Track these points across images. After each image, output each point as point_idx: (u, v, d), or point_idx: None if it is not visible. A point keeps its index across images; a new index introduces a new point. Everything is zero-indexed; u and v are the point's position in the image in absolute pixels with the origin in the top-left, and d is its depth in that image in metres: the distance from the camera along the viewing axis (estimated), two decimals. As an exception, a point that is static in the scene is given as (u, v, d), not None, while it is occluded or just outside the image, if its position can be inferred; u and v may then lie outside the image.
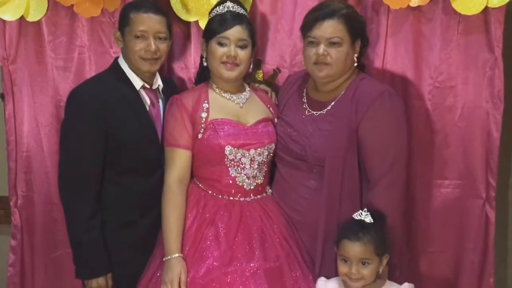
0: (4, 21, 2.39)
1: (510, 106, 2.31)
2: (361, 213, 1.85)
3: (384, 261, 1.86)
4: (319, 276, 1.97)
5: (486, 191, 2.22)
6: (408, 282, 1.91)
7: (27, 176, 2.48)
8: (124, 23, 2.07)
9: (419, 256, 2.30)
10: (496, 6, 2.08)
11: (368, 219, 1.84)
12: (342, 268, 1.84)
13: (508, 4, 2.09)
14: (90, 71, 2.40)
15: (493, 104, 2.18)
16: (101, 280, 2.05)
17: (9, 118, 2.46)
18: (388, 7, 2.19)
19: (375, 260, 1.82)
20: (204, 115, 2.03)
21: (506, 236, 2.53)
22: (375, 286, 1.86)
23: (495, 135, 2.19)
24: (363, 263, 1.81)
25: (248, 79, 2.25)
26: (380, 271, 1.86)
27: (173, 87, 2.26)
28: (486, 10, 2.10)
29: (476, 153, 2.22)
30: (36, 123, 2.46)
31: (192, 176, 2.09)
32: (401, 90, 2.21)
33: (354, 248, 1.81)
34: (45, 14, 2.37)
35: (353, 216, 1.87)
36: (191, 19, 2.31)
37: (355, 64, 2.04)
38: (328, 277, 1.94)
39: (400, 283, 1.89)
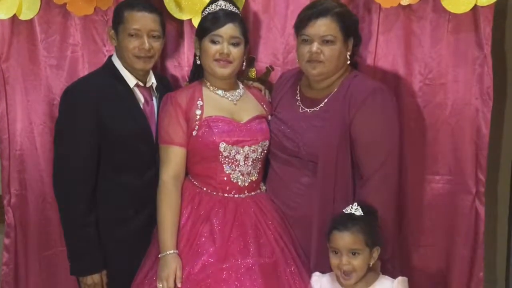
0: (-4, 19, 2.39)
1: (499, 103, 2.35)
2: (351, 207, 1.88)
3: (375, 254, 1.88)
4: (313, 271, 1.98)
5: (475, 186, 2.25)
6: (400, 275, 1.93)
7: (21, 175, 2.49)
8: (118, 21, 2.08)
9: (411, 250, 2.32)
10: (485, 4, 2.11)
11: (358, 212, 1.86)
12: (333, 260, 1.86)
13: (496, 3, 2.12)
14: (83, 69, 2.41)
15: (482, 101, 2.21)
16: (96, 277, 2.06)
17: (2, 117, 2.46)
18: (380, 5, 2.21)
19: (365, 251, 1.84)
20: (198, 112, 2.05)
21: (495, 231, 2.56)
22: (368, 279, 1.88)
23: (484, 132, 2.22)
24: (353, 253, 1.83)
25: (241, 77, 2.27)
26: (371, 264, 1.87)
27: (167, 85, 2.27)
28: (475, 8, 2.13)
29: (466, 149, 2.25)
30: (29, 121, 2.46)
31: (186, 173, 2.10)
32: (392, 87, 2.23)
33: (343, 238, 1.83)
34: (37, 13, 2.37)
35: (343, 210, 1.89)
36: (184, 17, 2.32)
37: (348, 62, 2.07)
38: (322, 272, 1.96)
39: (393, 276, 1.91)
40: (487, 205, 2.29)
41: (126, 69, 2.11)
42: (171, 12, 2.30)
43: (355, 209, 1.87)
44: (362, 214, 1.86)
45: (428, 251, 2.32)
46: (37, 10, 2.37)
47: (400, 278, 1.89)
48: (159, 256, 1.96)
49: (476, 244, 2.28)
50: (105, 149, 2.05)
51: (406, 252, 2.31)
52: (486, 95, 2.20)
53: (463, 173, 2.26)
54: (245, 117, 2.10)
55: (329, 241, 1.88)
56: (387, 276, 1.91)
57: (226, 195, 2.05)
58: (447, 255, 2.32)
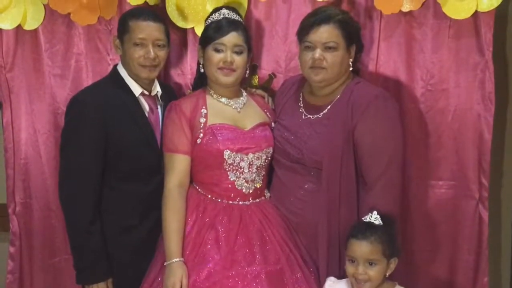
0: (1, 30, 2.40)
1: (501, 108, 2.36)
2: (370, 215, 1.85)
3: (392, 265, 1.84)
4: (322, 279, 1.97)
5: (479, 191, 2.26)
6: (403, 280, 1.91)
7: (25, 183, 2.49)
8: (123, 31, 2.09)
9: (414, 256, 2.32)
10: (486, 10, 2.12)
11: (378, 221, 1.83)
12: (349, 268, 1.83)
13: (497, 8, 2.13)
14: (87, 79, 2.42)
15: (484, 106, 2.22)
16: (101, 285, 2.06)
17: (7, 126, 2.47)
18: (381, 12, 2.23)
19: (383, 262, 1.81)
20: (202, 120, 2.06)
21: (499, 235, 2.56)
22: None
23: (486, 136, 2.23)
24: (370, 263, 1.80)
25: (244, 84, 2.28)
26: (387, 274, 1.85)
27: (171, 93, 2.28)
28: (476, 14, 2.15)
29: (469, 154, 2.26)
30: (33, 130, 2.47)
31: (191, 180, 2.11)
32: (394, 93, 2.24)
33: (361, 247, 1.80)
34: (42, 23, 2.39)
35: (362, 218, 1.87)
36: (188, 26, 2.34)
37: (350, 69, 2.08)
38: (339, 278, 1.93)
39: (399, 283, 1.89)
40: (491, 209, 2.30)
41: (132, 78, 2.13)
42: (174, 21, 2.32)
43: (374, 218, 1.84)
44: (381, 224, 1.83)
45: (432, 256, 2.33)
46: (41, 20, 2.38)
47: None
48: (165, 264, 1.97)
49: (480, 249, 2.28)
50: (110, 158, 2.05)
51: (410, 257, 2.31)
52: (488, 100, 2.21)
53: (466, 178, 2.27)
54: (248, 125, 2.11)
55: (346, 249, 1.85)
56: None
57: (230, 202, 2.06)
58: (451, 260, 2.32)
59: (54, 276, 2.52)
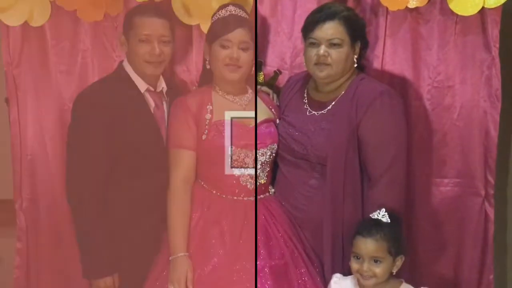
0: (7, 26, 2.41)
1: (508, 105, 2.35)
2: (378, 212, 1.85)
3: (399, 262, 1.85)
4: (327, 275, 1.98)
5: (485, 189, 2.25)
6: (408, 278, 1.92)
7: (32, 179, 2.50)
8: (128, 27, 2.10)
9: (419, 254, 2.32)
10: (493, 6, 2.11)
11: (385, 219, 1.83)
12: (354, 264, 1.83)
13: (504, 4, 2.12)
14: (93, 75, 2.42)
15: (490, 103, 2.21)
16: (108, 280, 2.08)
17: (13, 122, 2.48)
18: (387, 8, 2.22)
19: (388, 259, 1.81)
20: (208, 116, 2.07)
21: (505, 233, 2.55)
22: (390, 286, 1.86)
23: (493, 134, 2.22)
24: (375, 261, 1.80)
25: (249, 81, 2.29)
26: (394, 272, 1.85)
27: (176, 90, 2.29)
28: (482, 10, 2.13)
29: (475, 151, 2.25)
30: (40, 126, 2.47)
31: (196, 176, 2.12)
32: (400, 90, 2.24)
33: (366, 245, 1.80)
34: (48, 19, 2.39)
35: (370, 215, 1.87)
36: (193, 22, 2.34)
37: (355, 65, 2.08)
38: (344, 274, 1.93)
39: (406, 280, 1.90)
40: (497, 207, 2.29)
41: (137, 74, 2.13)
42: (180, 17, 2.32)
43: (382, 215, 1.84)
44: (389, 221, 1.83)
45: (437, 254, 2.32)
46: (48, 17, 2.38)
47: None
48: (170, 258, 1.98)
49: (485, 247, 2.28)
50: (115, 154, 2.06)
51: (415, 255, 2.31)
52: (494, 97, 2.21)
53: (472, 176, 2.26)
54: (253, 121, 2.11)
55: (352, 245, 1.85)
56: (410, 286, 1.89)
57: (235, 198, 2.07)
58: (456, 258, 2.32)
59: (61, 271, 2.53)
